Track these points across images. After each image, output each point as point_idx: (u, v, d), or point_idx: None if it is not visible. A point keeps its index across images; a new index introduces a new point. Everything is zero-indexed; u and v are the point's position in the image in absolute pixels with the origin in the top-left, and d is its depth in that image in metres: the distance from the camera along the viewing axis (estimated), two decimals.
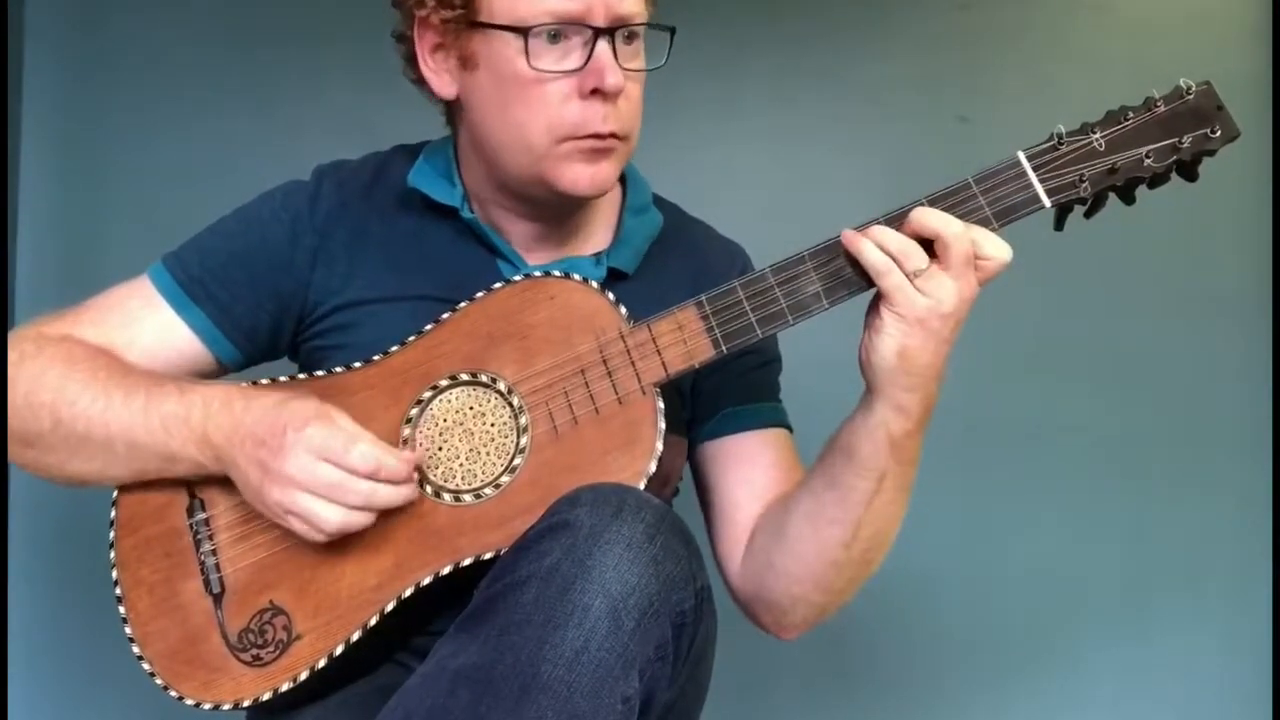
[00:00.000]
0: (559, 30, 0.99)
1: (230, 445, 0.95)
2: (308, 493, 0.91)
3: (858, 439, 0.97)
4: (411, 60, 1.08)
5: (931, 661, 1.86)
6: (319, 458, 0.91)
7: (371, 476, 0.92)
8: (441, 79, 1.06)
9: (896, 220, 0.96)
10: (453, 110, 1.10)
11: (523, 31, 0.98)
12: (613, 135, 1.01)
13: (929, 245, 0.93)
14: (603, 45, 0.99)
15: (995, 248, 0.93)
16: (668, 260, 1.14)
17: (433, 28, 1.04)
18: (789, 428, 1.16)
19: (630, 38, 1.02)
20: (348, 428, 0.93)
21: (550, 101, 1.00)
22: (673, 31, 1.04)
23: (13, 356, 1.03)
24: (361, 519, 0.93)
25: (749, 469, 1.12)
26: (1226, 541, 1.84)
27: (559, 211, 1.09)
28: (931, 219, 0.93)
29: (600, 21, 0.99)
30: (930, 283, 0.92)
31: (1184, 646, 1.84)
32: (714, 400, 1.13)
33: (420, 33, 1.06)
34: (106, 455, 1.00)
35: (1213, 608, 1.84)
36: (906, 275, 0.92)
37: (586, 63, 0.99)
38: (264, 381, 1.05)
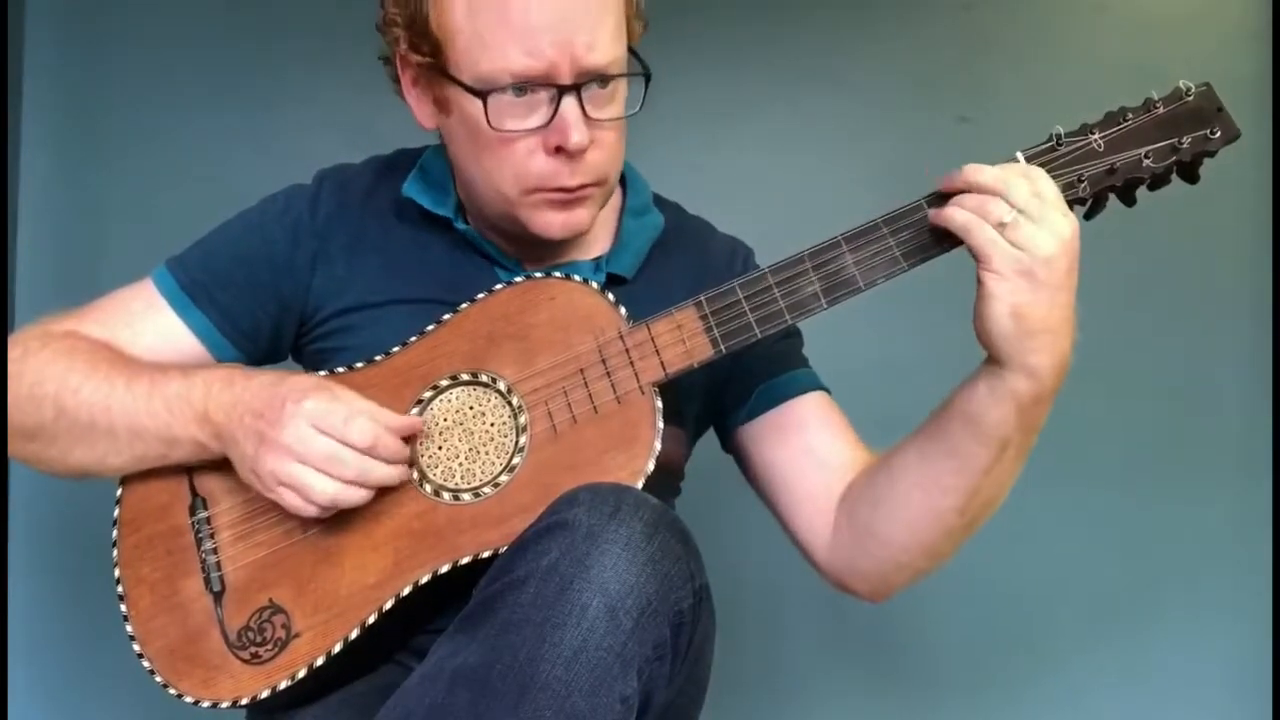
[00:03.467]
0: (524, 86, 0.97)
1: (230, 421, 0.96)
2: (302, 463, 0.92)
3: (982, 406, 0.94)
4: (397, 82, 1.07)
5: (931, 662, 1.86)
6: (317, 429, 0.92)
7: (369, 451, 0.92)
8: (423, 110, 1.06)
9: (911, 211, 0.95)
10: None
11: (482, 95, 0.96)
12: (583, 186, 1.01)
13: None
14: (568, 103, 0.96)
15: (1023, 169, 0.91)
16: (669, 260, 1.14)
17: (412, 66, 1.04)
18: (827, 390, 1.14)
19: (605, 82, 0.98)
20: (347, 400, 0.94)
21: (516, 156, 0.99)
22: (648, 78, 1.01)
23: (16, 353, 1.04)
24: (354, 494, 0.93)
25: (805, 436, 1.10)
26: (1226, 543, 1.84)
27: (546, 243, 1.08)
28: (974, 175, 0.91)
29: (565, 79, 0.96)
30: (1018, 233, 0.88)
31: (1184, 647, 1.84)
32: (745, 382, 1.12)
33: (402, 66, 1.05)
34: (108, 442, 1.01)
35: (1213, 609, 1.84)
36: (994, 228, 0.89)
37: (551, 119, 0.97)
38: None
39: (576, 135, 0.96)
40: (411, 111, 1.07)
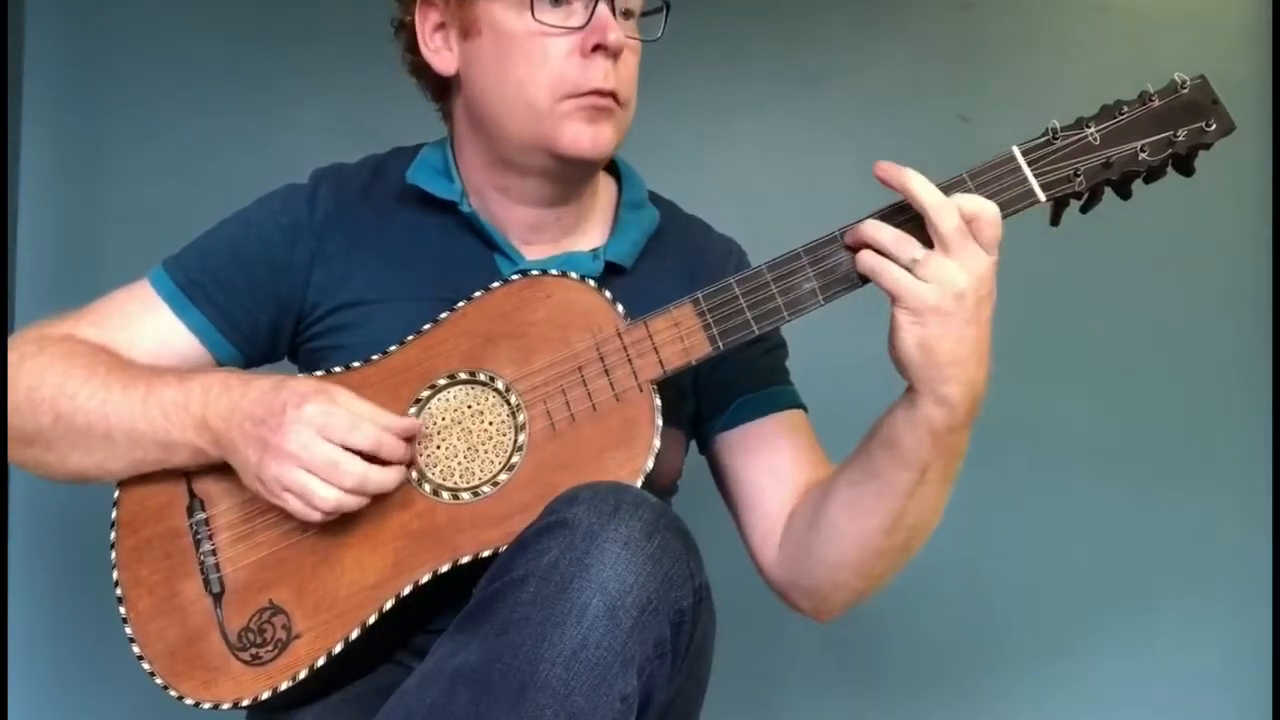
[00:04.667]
0: None
1: (229, 427, 0.96)
2: (305, 470, 0.92)
3: (900, 432, 0.96)
4: (411, 46, 1.10)
5: (932, 661, 1.86)
6: (319, 435, 0.92)
7: (373, 454, 0.93)
8: (442, 56, 1.08)
9: (891, 211, 0.96)
10: (450, 95, 1.12)
11: None
12: (613, 96, 1.03)
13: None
14: (604, 6, 1.02)
15: (976, 205, 0.91)
16: (664, 256, 1.14)
17: (435, 7, 1.07)
18: (804, 408, 1.16)
19: (626, 15, 1.05)
20: (348, 404, 0.94)
21: (552, 58, 1.02)
22: (667, 7, 1.07)
23: (14, 357, 1.04)
24: (357, 500, 0.93)
25: (771, 455, 1.11)
26: (1226, 541, 1.84)
27: (557, 192, 1.09)
28: (916, 188, 0.92)
29: None
30: (929, 268, 0.90)
31: (1184, 646, 1.84)
32: (726, 390, 1.13)
33: (422, 14, 1.08)
34: (106, 447, 1.01)
35: (1213, 607, 1.84)
36: (905, 267, 0.91)
37: (589, 21, 1.01)
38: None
39: (614, 33, 1.01)
40: (423, 78, 1.11)
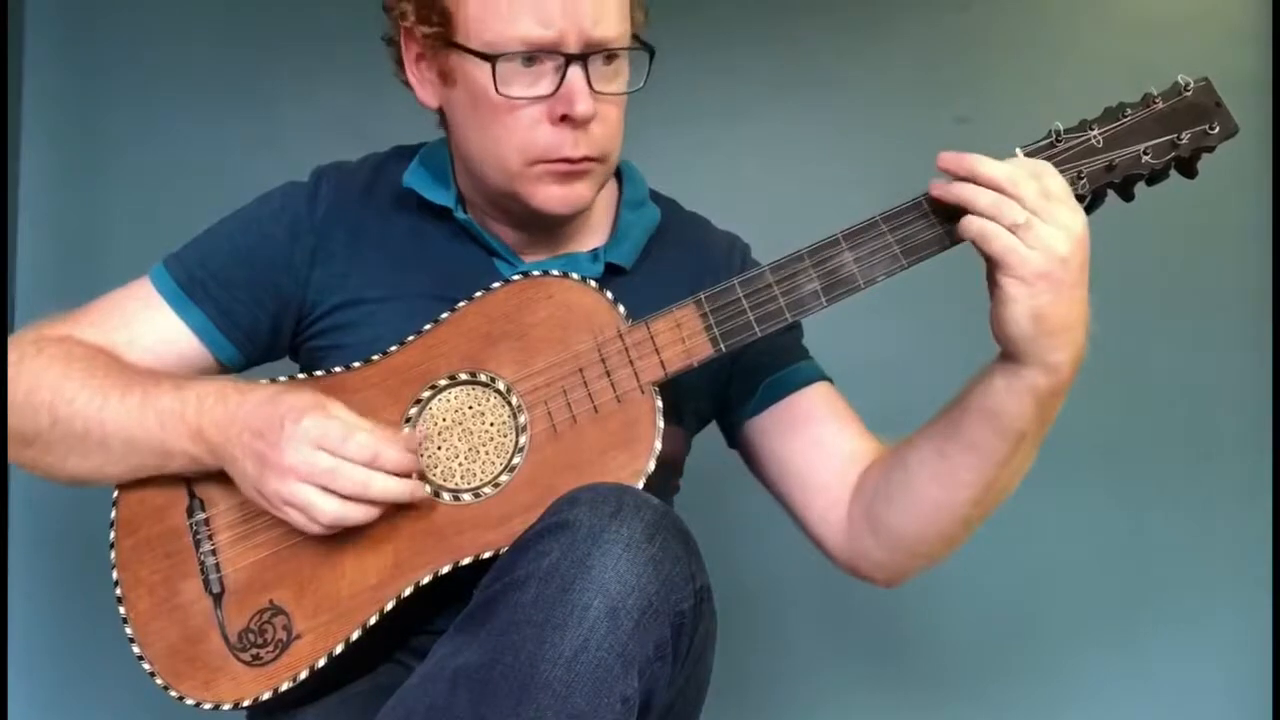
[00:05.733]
0: (533, 54, 0.98)
1: (226, 438, 0.95)
2: (305, 483, 0.91)
3: (1001, 401, 0.94)
4: (400, 65, 1.08)
5: (931, 663, 1.86)
6: (316, 447, 0.91)
7: (369, 465, 0.92)
8: (426, 89, 1.07)
9: (910, 208, 0.95)
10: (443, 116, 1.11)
11: (492, 59, 0.98)
12: (585, 159, 1.01)
13: None
14: (574, 72, 0.98)
15: (1035, 165, 0.91)
16: (666, 254, 1.14)
17: (416, 39, 1.05)
18: (830, 380, 1.15)
19: (609, 59, 1.01)
20: (345, 418, 0.94)
21: (521, 125, 1.00)
22: (651, 53, 1.03)
23: (13, 357, 1.04)
24: (358, 511, 0.93)
25: (814, 429, 1.11)
26: (1226, 543, 1.84)
27: (546, 224, 1.09)
28: (985, 168, 0.90)
29: (573, 48, 0.98)
30: (1032, 234, 0.88)
31: (1183, 648, 1.84)
32: (750, 376, 1.12)
33: (406, 42, 1.06)
34: (103, 452, 1.01)
35: (1212, 609, 1.84)
36: (1008, 230, 0.89)
37: (557, 89, 0.99)
38: (264, 382, 1.05)
39: (582, 104, 0.98)
40: (413, 92, 1.08)
